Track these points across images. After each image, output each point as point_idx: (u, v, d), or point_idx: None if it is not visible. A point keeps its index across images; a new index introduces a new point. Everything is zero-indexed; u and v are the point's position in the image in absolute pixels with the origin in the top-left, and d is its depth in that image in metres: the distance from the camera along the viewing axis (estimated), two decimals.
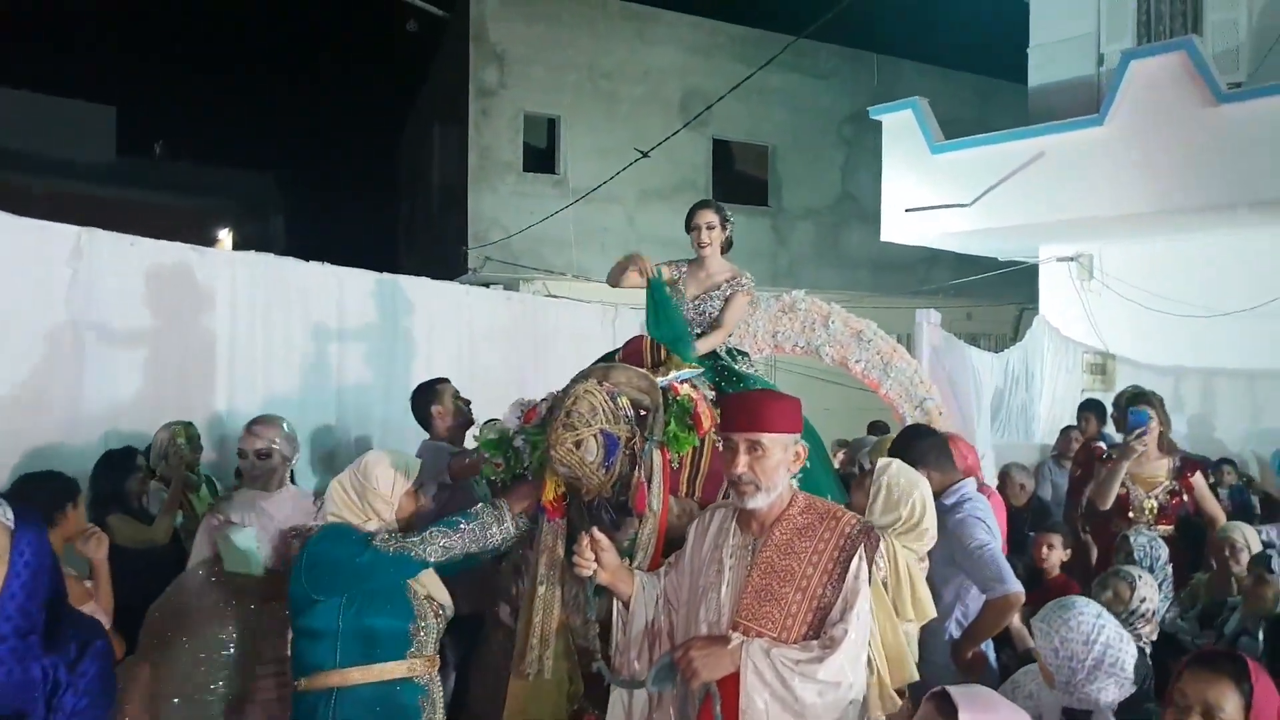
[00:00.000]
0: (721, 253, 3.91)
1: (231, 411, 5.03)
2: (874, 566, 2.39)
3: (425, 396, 4.54)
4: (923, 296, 12.23)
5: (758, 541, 2.35)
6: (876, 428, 7.74)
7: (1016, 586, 3.17)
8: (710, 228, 3.82)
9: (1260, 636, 2.73)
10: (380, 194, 22.57)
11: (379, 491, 2.73)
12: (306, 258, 5.64)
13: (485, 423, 3.28)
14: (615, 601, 2.52)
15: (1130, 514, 4.21)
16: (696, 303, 3.82)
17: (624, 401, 2.71)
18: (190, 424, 4.42)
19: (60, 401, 4.22)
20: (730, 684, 2.23)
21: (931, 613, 2.88)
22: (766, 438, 2.31)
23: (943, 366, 7.58)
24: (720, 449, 2.48)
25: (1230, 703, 1.94)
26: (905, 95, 10.16)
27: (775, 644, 2.24)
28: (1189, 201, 7.94)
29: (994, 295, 12.82)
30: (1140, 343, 9.00)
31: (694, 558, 2.45)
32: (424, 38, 15.80)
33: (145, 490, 4.11)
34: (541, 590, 2.77)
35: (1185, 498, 4.26)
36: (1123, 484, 4.24)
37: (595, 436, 2.59)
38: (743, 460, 2.30)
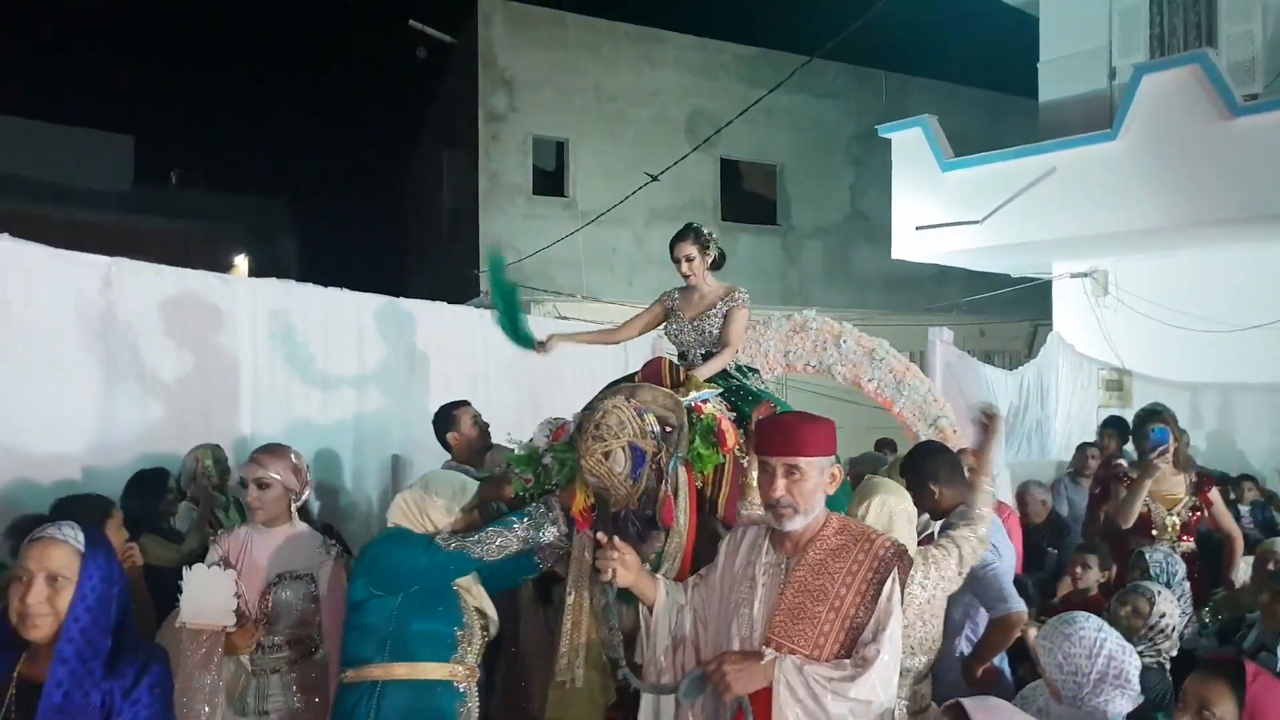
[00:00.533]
0: (714, 268, 3.96)
1: (255, 434, 5.10)
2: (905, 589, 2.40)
3: (445, 421, 4.58)
4: (935, 314, 12.22)
5: (791, 560, 2.39)
6: (884, 445, 7.71)
7: (1019, 605, 3.24)
8: (690, 259, 3.90)
9: (1279, 651, 2.74)
10: (390, 218, 22.78)
11: (438, 505, 2.89)
12: (319, 281, 5.74)
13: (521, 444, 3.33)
14: (641, 608, 2.55)
15: (1154, 531, 4.20)
16: (695, 324, 3.87)
17: (650, 418, 2.77)
18: (218, 446, 4.54)
19: (91, 426, 4.31)
20: (762, 699, 2.26)
21: None
22: (804, 461, 2.35)
23: (956, 384, 7.58)
24: (743, 467, 2.46)
25: (1224, 704, 2.00)
26: (914, 113, 10.18)
27: (808, 661, 2.27)
28: (1204, 215, 7.91)
29: (1007, 312, 12.79)
30: (1157, 358, 8.96)
31: (725, 574, 2.49)
32: (432, 64, 15.97)
33: (174, 511, 4.18)
34: (570, 600, 2.84)
35: (1205, 513, 4.24)
36: (1144, 502, 4.22)
37: (623, 449, 2.65)
38: (780, 484, 2.34)
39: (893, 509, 2.95)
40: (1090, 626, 2.59)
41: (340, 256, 21.98)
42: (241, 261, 20.29)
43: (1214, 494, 4.30)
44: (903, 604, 2.37)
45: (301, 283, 5.63)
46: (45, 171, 18.45)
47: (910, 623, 2.74)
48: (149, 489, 3.97)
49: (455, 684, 2.78)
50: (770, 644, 2.31)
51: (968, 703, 2.19)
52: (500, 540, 2.81)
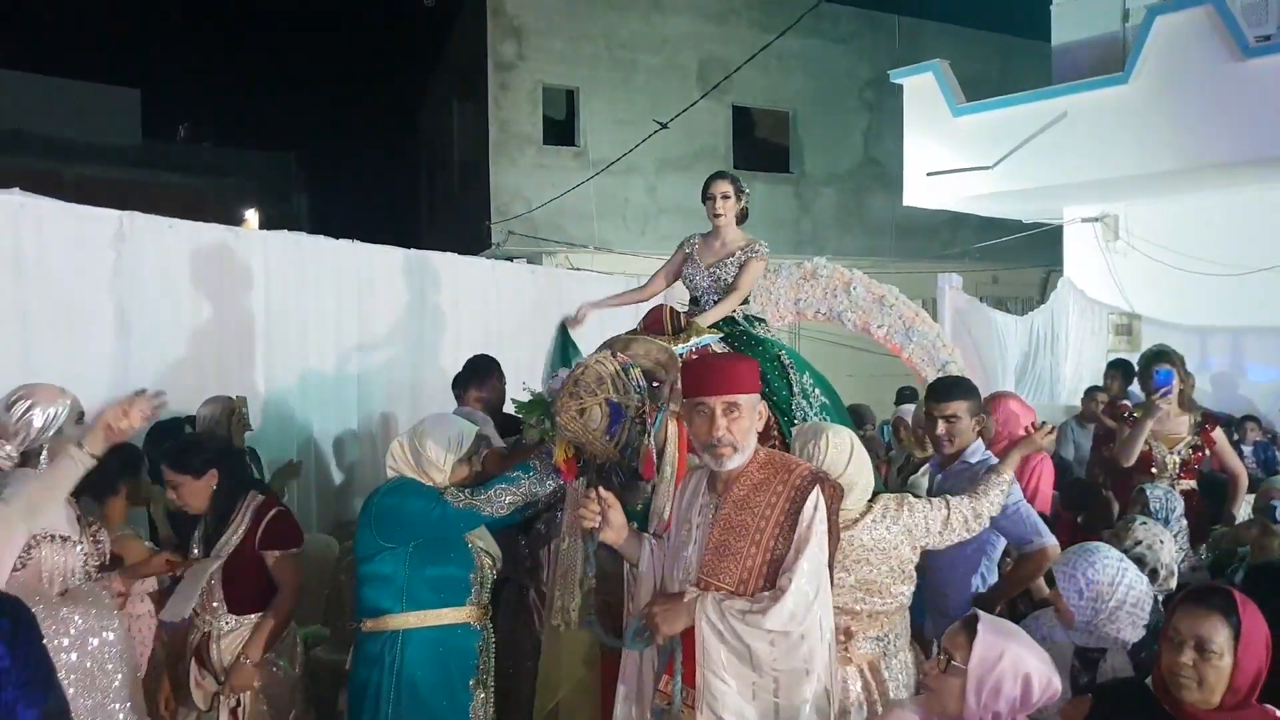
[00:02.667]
0: (737, 223, 3.99)
1: (268, 387, 5.18)
2: (834, 515, 2.39)
3: (476, 376, 4.61)
4: (947, 261, 12.19)
5: (720, 499, 2.42)
6: (904, 395, 7.75)
7: (1052, 540, 3.23)
8: (725, 197, 3.92)
9: (1239, 577, 2.82)
10: (401, 170, 22.71)
11: (432, 460, 2.91)
12: (331, 235, 5.76)
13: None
14: (626, 565, 2.62)
15: (1154, 470, 4.28)
16: (711, 270, 3.91)
17: (636, 372, 2.79)
18: (244, 399, 4.57)
19: (105, 380, 4.36)
20: (692, 638, 2.30)
21: None
22: (742, 399, 2.37)
23: (966, 330, 7.63)
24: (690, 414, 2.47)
25: (1220, 635, 2.03)
26: (927, 57, 10.08)
27: (729, 596, 2.29)
28: (1216, 158, 7.85)
29: (1019, 258, 12.75)
30: (1166, 302, 8.94)
31: (675, 520, 2.55)
32: (441, 13, 15.84)
33: None
34: (564, 547, 2.94)
35: (1206, 453, 4.31)
36: (1145, 441, 4.29)
37: (600, 405, 2.68)
38: (721, 423, 2.35)
39: (849, 438, 2.90)
40: (1113, 557, 2.67)
41: (351, 210, 22.01)
42: (252, 216, 20.31)
43: (1217, 434, 4.36)
44: (831, 529, 2.37)
45: (314, 235, 5.67)
46: (52, 127, 18.41)
47: (861, 560, 2.71)
48: (169, 438, 4.03)
49: (473, 625, 2.89)
50: (699, 584, 2.35)
51: (981, 615, 2.21)
52: (509, 498, 2.86)
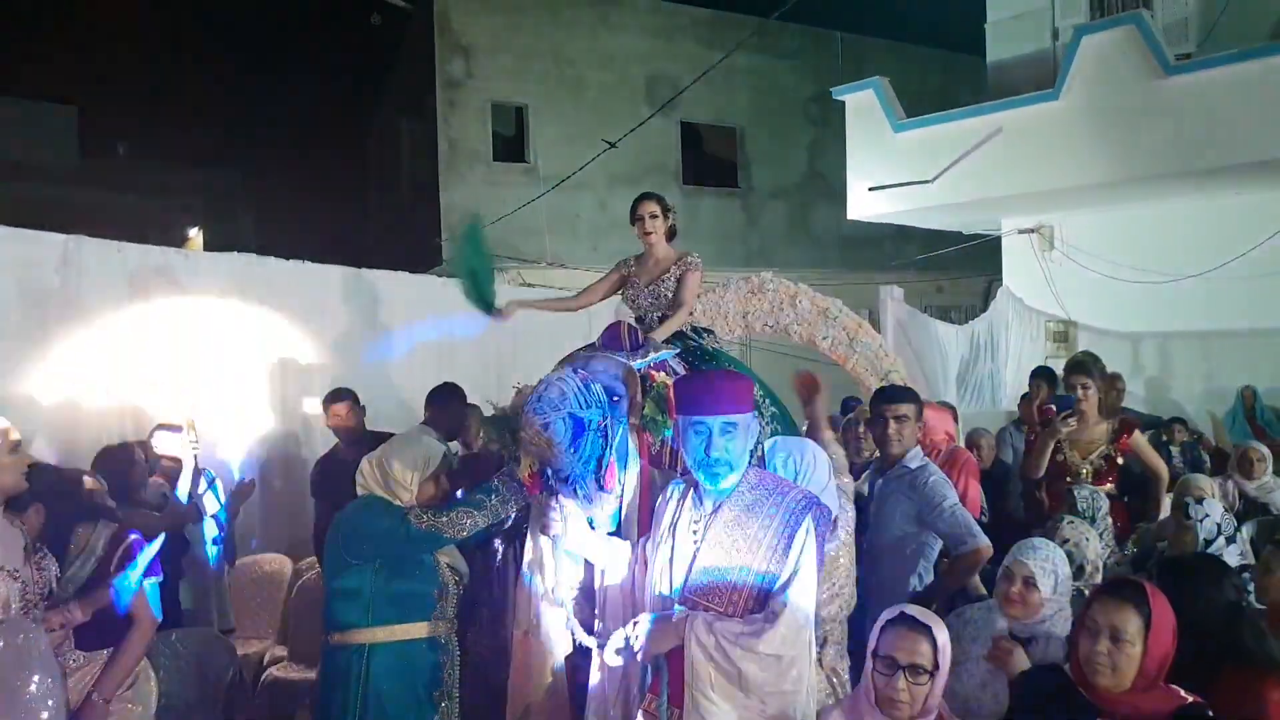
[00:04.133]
0: (667, 240, 4.08)
1: (220, 410, 5.18)
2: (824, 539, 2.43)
3: (446, 403, 4.72)
4: (892, 272, 12.45)
5: (710, 517, 2.41)
6: (848, 405, 7.93)
7: (985, 541, 3.41)
8: (654, 217, 3.99)
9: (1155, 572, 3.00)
10: (349, 188, 22.49)
11: (399, 479, 3.00)
12: (278, 254, 5.78)
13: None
14: (595, 569, 2.70)
15: (1068, 478, 4.43)
16: (651, 289, 4.00)
17: (597, 388, 2.87)
18: (192, 422, 4.56)
19: (53, 406, 4.35)
20: (679, 657, 2.31)
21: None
22: (740, 419, 2.39)
23: (907, 339, 7.83)
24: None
25: (1132, 625, 2.19)
26: (870, 73, 10.33)
27: (720, 618, 2.30)
28: (1142, 171, 8.17)
29: (962, 268, 13.07)
30: (1100, 309, 9.27)
31: (655, 533, 2.57)
32: (388, 31, 15.82)
33: (145, 483, 4.26)
34: (531, 557, 2.99)
35: (1120, 460, 4.45)
36: (1060, 450, 4.45)
37: (564, 420, 2.75)
38: (719, 442, 2.36)
39: (817, 456, 3.05)
40: (1059, 556, 2.82)
41: (299, 228, 21.70)
42: (196, 235, 20.03)
43: (1135, 437, 4.51)
44: (820, 555, 2.39)
45: (263, 256, 5.68)
46: None
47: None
48: (116, 464, 3.99)
49: (438, 639, 2.96)
50: (686, 602, 2.35)
51: (913, 610, 2.36)
52: (470, 521, 2.94)
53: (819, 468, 2.97)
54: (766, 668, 2.24)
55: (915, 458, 3.69)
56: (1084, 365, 4.55)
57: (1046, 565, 2.77)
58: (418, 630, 2.91)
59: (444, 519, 2.92)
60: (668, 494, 2.59)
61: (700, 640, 2.27)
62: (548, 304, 4.52)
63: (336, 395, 4.77)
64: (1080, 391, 4.44)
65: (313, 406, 5.72)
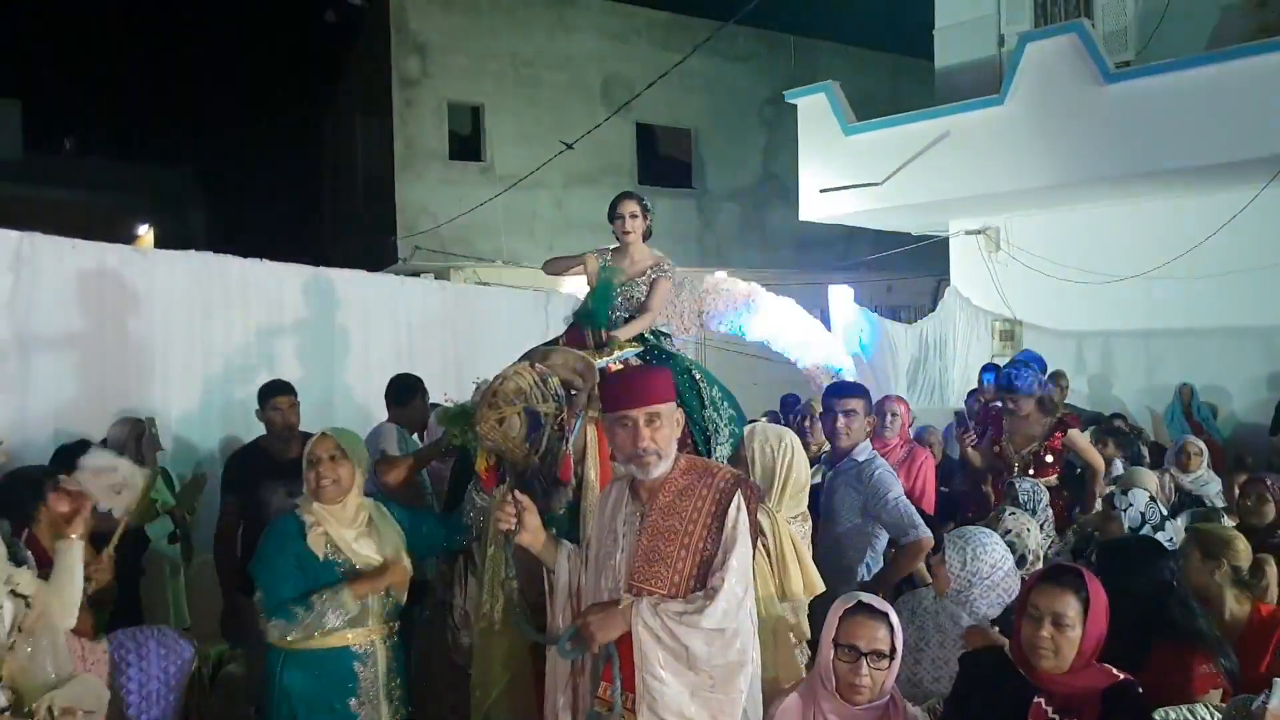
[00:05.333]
0: (642, 240, 4.15)
1: (174, 407, 5.16)
2: (754, 516, 2.52)
3: (397, 396, 4.72)
4: (844, 272, 12.67)
5: (646, 507, 2.49)
6: (787, 402, 8.05)
7: (927, 532, 3.55)
8: (633, 217, 4.06)
9: (1093, 558, 3.16)
10: (303, 186, 22.23)
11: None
12: (231, 252, 5.71)
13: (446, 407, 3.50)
14: (546, 569, 2.71)
15: (1006, 471, 4.67)
16: (623, 288, 4.06)
17: (554, 382, 2.93)
18: (153, 419, 4.59)
19: (7, 405, 4.31)
20: (629, 644, 2.37)
21: (819, 587, 3.11)
22: (663, 408, 2.46)
23: (857, 338, 7.99)
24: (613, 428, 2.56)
25: (1072, 609, 2.32)
26: (822, 76, 10.51)
27: (664, 600, 2.37)
28: (1084, 175, 8.43)
29: (912, 268, 13.32)
30: (1045, 309, 9.53)
31: (597, 531, 2.61)
32: (343, 28, 15.70)
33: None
34: (491, 552, 3.04)
35: (1051, 457, 4.66)
36: (999, 443, 4.71)
37: (519, 414, 2.79)
38: (646, 433, 2.43)
39: (795, 447, 3.18)
40: (1001, 547, 2.97)
41: (252, 226, 21.45)
42: (147, 233, 19.66)
43: (1072, 434, 4.71)
44: (751, 527, 2.47)
45: (220, 254, 5.64)
46: None
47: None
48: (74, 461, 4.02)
49: (353, 648, 2.93)
50: (631, 589, 2.41)
51: (868, 598, 2.50)
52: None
53: (798, 452, 3.07)
54: (711, 641, 2.32)
55: (863, 451, 3.83)
56: (1016, 367, 4.79)
57: (958, 543, 2.93)
58: (331, 641, 2.89)
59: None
60: (609, 492, 2.66)
61: (647, 623, 2.34)
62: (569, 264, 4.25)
63: (281, 388, 4.57)
64: (1003, 396, 4.69)
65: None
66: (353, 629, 2.92)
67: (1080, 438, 4.72)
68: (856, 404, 3.87)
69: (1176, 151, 7.83)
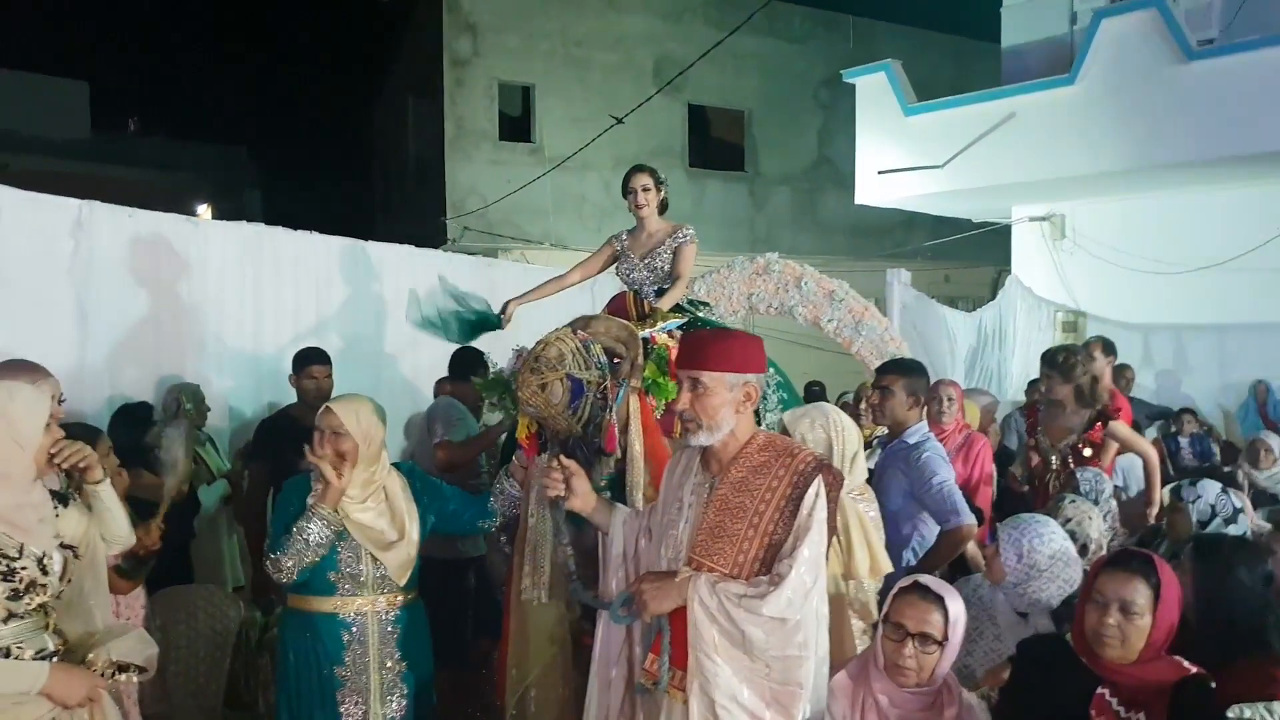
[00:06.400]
0: (659, 213, 4.06)
1: (221, 376, 5.18)
2: (835, 504, 2.37)
3: (471, 372, 4.68)
4: (899, 260, 12.37)
5: (716, 480, 2.37)
6: (812, 390, 7.86)
7: (970, 519, 3.44)
8: (645, 189, 3.99)
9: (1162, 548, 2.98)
10: (355, 166, 22.52)
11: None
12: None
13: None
14: (600, 533, 2.64)
15: (1045, 465, 4.47)
16: (646, 261, 3.98)
17: (597, 349, 2.84)
18: (198, 387, 4.68)
19: (65, 367, 4.33)
20: (681, 619, 2.28)
21: (887, 568, 3.01)
22: (707, 375, 2.32)
23: (914, 325, 7.77)
24: None
25: (1142, 596, 2.17)
26: (880, 58, 10.23)
27: (724, 579, 2.26)
28: (1159, 159, 8.08)
29: (971, 257, 12.99)
30: (1111, 300, 9.19)
31: (664, 497, 2.53)
32: (396, 9, 15.73)
33: (159, 443, 4.24)
34: (533, 523, 2.94)
35: (1090, 450, 4.39)
36: (1034, 438, 4.51)
37: (561, 380, 2.72)
38: (685, 397, 2.34)
39: (844, 425, 3.06)
40: (1061, 536, 2.83)
41: (304, 205, 21.70)
42: (204, 210, 20.01)
43: (1114, 425, 4.44)
44: (830, 517, 2.33)
45: (270, 226, 5.64)
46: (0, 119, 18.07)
47: None
48: (134, 422, 4.01)
49: (341, 616, 2.92)
50: (691, 563, 2.31)
51: (927, 579, 2.38)
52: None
53: (848, 433, 2.96)
54: (770, 631, 2.20)
55: (915, 433, 3.70)
56: (1045, 359, 4.53)
57: (1013, 534, 2.81)
58: (320, 605, 2.92)
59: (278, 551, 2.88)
60: (679, 458, 2.55)
61: (703, 600, 2.24)
62: (543, 290, 4.36)
63: (318, 356, 4.55)
64: (1044, 382, 4.46)
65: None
66: (344, 598, 2.91)
67: (1122, 428, 4.47)
68: (891, 380, 3.73)
69: (1261, 135, 7.44)
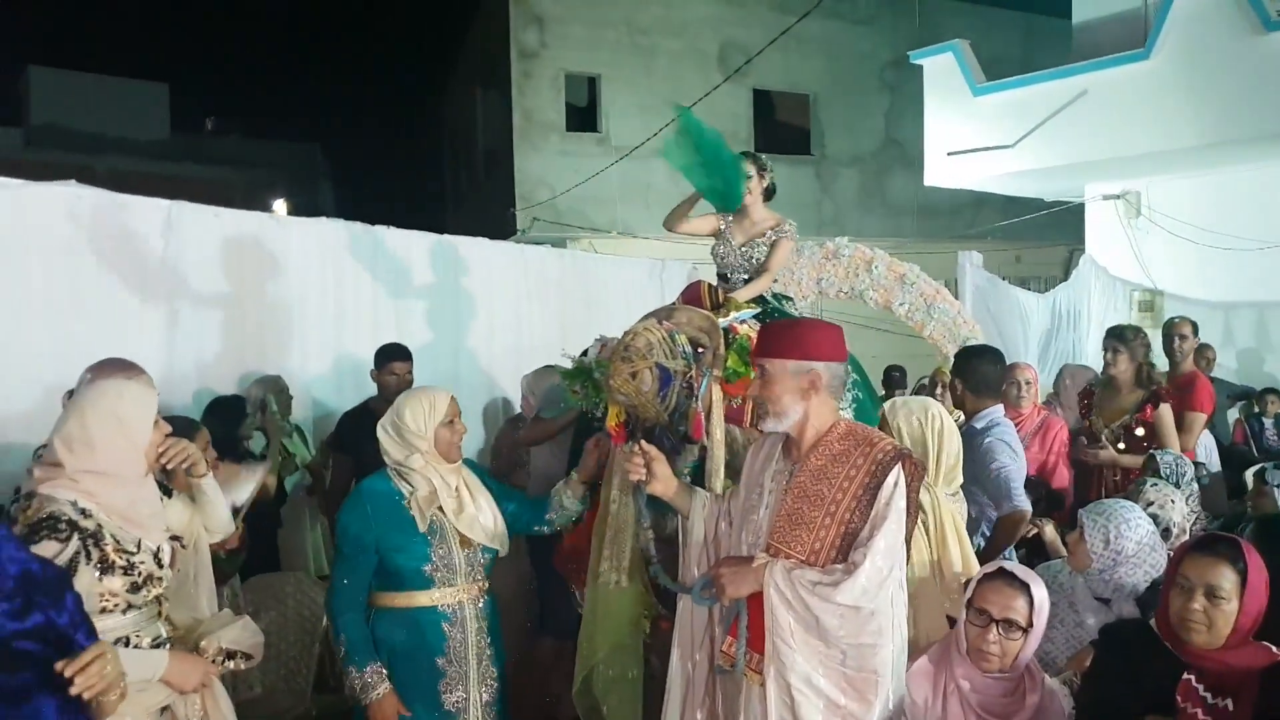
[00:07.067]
0: (765, 200, 4.05)
1: (305, 370, 5.36)
2: (915, 494, 2.39)
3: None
4: (969, 241, 12.20)
5: (795, 467, 2.40)
6: (892, 376, 7.79)
7: (1025, 505, 3.42)
8: (748, 177, 3.96)
9: (1247, 531, 2.94)
10: (424, 159, 22.88)
11: (413, 430, 2.91)
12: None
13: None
14: (681, 517, 2.73)
15: (1098, 442, 4.43)
16: (744, 250, 3.99)
17: (682, 339, 2.91)
18: (279, 378, 4.82)
19: (154, 363, 4.52)
20: (759, 603, 2.31)
21: (976, 567, 2.97)
22: (767, 363, 2.40)
23: (986, 307, 7.71)
24: None
25: (1228, 581, 2.16)
26: (947, 37, 10.09)
27: (800, 565, 2.29)
28: (1238, 133, 7.86)
29: (1042, 237, 12.74)
30: (1189, 278, 8.95)
31: (746, 482, 2.59)
32: (462, 2, 15.97)
33: (251, 435, 4.45)
34: (614, 509, 3.01)
35: (1143, 430, 4.35)
36: (1089, 417, 4.48)
37: (650, 369, 2.78)
38: (756, 384, 2.43)
39: (942, 418, 3.09)
40: (1145, 521, 2.81)
41: (376, 199, 22.22)
42: (280, 206, 20.56)
43: (1161, 410, 4.40)
44: (910, 507, 2.34)
45: (349, 221, 5.82)
46: (83, 121, 18.77)
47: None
48: (228, 414, 4.22)
49: (439, 608, 2.92)
50: (769, 549, 2.34)
51: (1012, 566, 2.41)
52: None
53: (947, 423, 2.99)
54: (845, 618, 2.22)
55: (982, 418, 3.70)
56: (1114, 332, 4.50)
57: (1099, 520, 2.77)
58: (418, 599, 2.91)
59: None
60: (762, 445, 2.60)
61: (779, 586, 2.28)
62: (682, 209, 4.11)
63: (400, 352, 4.61)
64: (1110, 355, 4.41)
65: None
66: (441, 589, 2.92)
67: (1167, 414, 4.39)
68: (959, 368, 3.84)
69: None
